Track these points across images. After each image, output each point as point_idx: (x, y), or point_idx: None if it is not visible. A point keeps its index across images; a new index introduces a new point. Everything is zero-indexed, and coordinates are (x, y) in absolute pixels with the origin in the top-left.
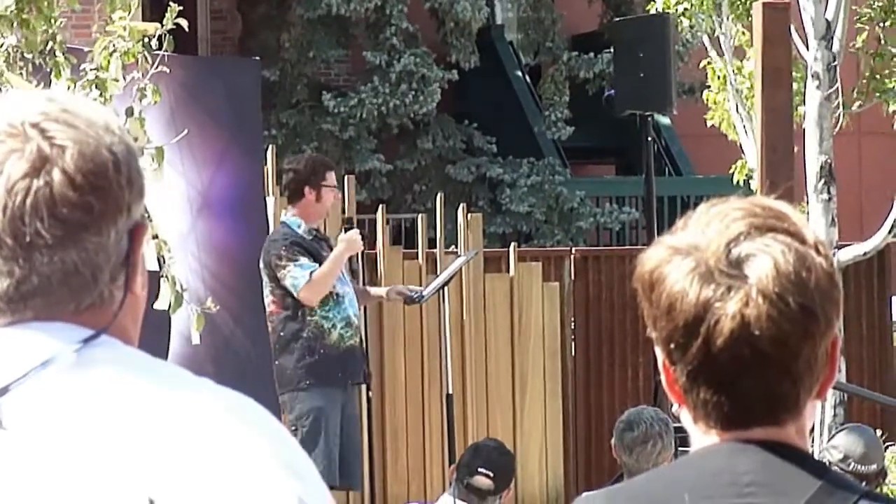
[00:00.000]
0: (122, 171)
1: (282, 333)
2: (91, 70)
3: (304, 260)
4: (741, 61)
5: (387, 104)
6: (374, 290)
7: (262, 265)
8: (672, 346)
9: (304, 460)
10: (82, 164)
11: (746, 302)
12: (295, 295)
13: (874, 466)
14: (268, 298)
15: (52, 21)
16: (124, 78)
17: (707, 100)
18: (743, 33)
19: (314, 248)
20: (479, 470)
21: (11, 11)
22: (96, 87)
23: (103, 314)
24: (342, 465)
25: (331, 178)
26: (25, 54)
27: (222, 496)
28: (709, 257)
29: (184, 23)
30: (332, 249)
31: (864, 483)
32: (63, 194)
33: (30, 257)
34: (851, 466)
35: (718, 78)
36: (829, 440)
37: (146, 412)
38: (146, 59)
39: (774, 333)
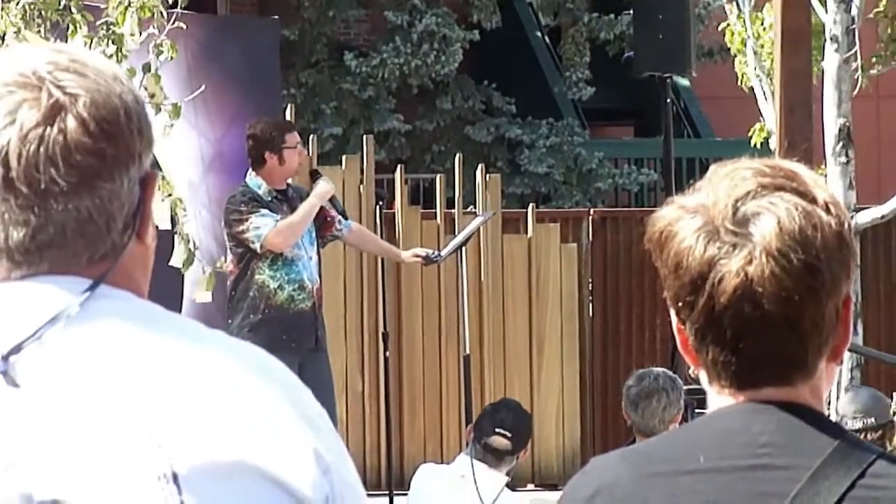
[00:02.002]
0: (133, 119)
1: (233, 293)
2: (109, 25)
3: (264, 211)
4: (760, 24)
5: (408, 64)
6: (402, 253)
7: (222, 224)
8: (680, 304)
9: (319, 412)
10: (95, 112)
11: (749, 260)
12: (258, 245)
13: (872, 420)
14: (228, 257)
15: None
16: (140, 33)
17: (736, 57)
18: None
19: (274, 207)
20: (497, 430)
21: None
22: (112, 42)
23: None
24: None
25: (291, 139)
26: (42, 12)
27: (236, 447)
28: (716, 215)
29: None
30: (293, 210)
31: (863, 437)
32: (77, 141)
33: (45, 205)
34: (847, 425)
35: (737, 40)
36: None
37: (157, 365)
38: (162, 14)
39: (777, 291)
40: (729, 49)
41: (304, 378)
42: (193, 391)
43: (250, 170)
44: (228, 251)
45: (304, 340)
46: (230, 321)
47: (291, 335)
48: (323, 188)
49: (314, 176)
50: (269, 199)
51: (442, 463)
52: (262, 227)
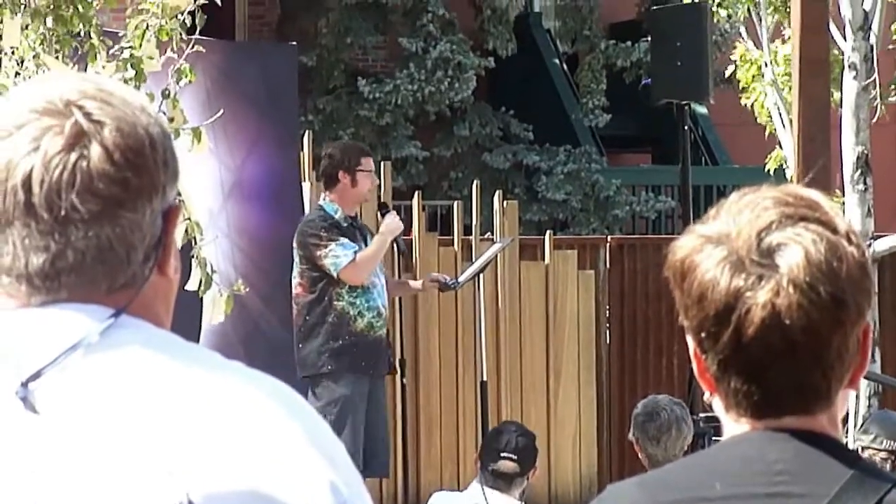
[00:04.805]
0: (159, 150)
1: (307, 317)
2: (126, 48)
3: (344, 240)
4: (775, 49)
5: (422, 91)
6: (411, 283)
7: (295, 245)
8: (703, 334)
9: (336, 445)
10: (120, 141)
11: (777, 291)
12: (335, 274)
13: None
14: (295, 280)
15: (88, 7)
16: (159, 57)
17: (740, 79)
18: (780, 22)
19: (350, 234)
20: (503, 455)
21: (48, 7)
22: (131, 66)
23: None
24: (368, 454)
25: (367, 163)
26: (61, 37)
27: (252, 477)
28: (740, 246)
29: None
30: (365, 239)
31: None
32: (100, 169)
33: (65, 232)
34: (884, 444)
35: (749, 64)
36: (859, 429)
37: (175, 394)
38: (181, 36)
39: (805, 323)
40: (737, 68)
41: (371, 403)
42: (211, 421)
43: (324, 193)
44: (296, 271)
45: (380, 366)
46: (301, 345)
47: (369, 361)
48: (393, 223)
49: (383, 209)
50: (346, 225)
51: (458, 490)
52: (342, 257)
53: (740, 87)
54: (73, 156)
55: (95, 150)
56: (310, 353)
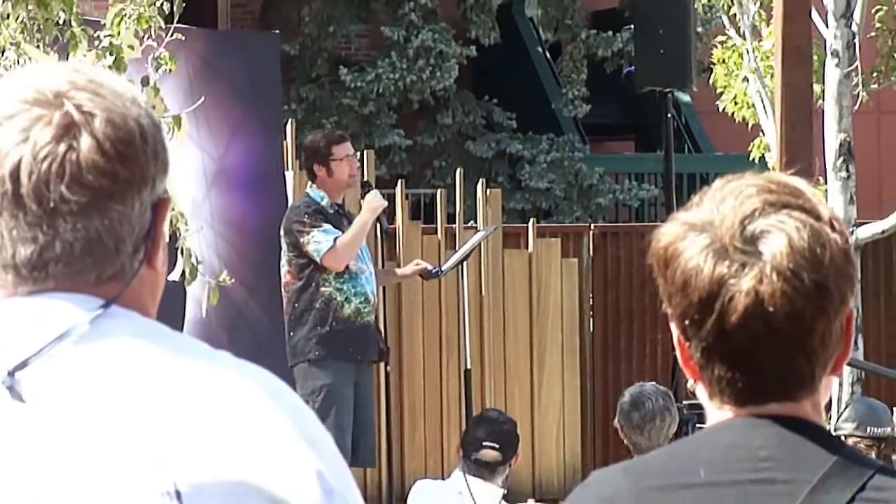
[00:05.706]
0: (149, 142)
1: (296, 305)
2: (105, 36)
3: (327, 226)
4: (758, 41)
5: (404, 79)
6: (397, 271)
7: (282, 232)
8: (687, 322)
9: (322, 434)
10: (110, 132)
11: (760, 279)
12: (318, 260)
13: (888, 429)
14: (284, 268)
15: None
16: (140, 44)
17: (715, 83)
18: (759, 13)
19: (335, 220)
20: (484, 444)
21: None
22: (110, 53)
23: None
24: (354, 443)
25: (339, 151)
26: (42, 26)
27: (239, 467)
28: (723, 234)
29: None
30: (352, 223)
31: (882, 445)
32: (90, 161)
33: (53, 223)
34: (868, 431)
35: (730, 57)
36: (842, 418)
37: (163, 384)
38: (160, 24)
39: (789, 310)
40: (712, 67)
41: (357, 392)
42: (198, 411)
43: (309, 182)
44: (284, 259)
45: (369, 353)
46: (291, 333)
47: (357, 347)
48: (375, 201)
49: (365, 189)
50: (332, 211)
51: (443, 478)
52: (323, 242)
53: (717, 93)
54: (63, 147)
55: (85, 142)
56: (299, 341)
